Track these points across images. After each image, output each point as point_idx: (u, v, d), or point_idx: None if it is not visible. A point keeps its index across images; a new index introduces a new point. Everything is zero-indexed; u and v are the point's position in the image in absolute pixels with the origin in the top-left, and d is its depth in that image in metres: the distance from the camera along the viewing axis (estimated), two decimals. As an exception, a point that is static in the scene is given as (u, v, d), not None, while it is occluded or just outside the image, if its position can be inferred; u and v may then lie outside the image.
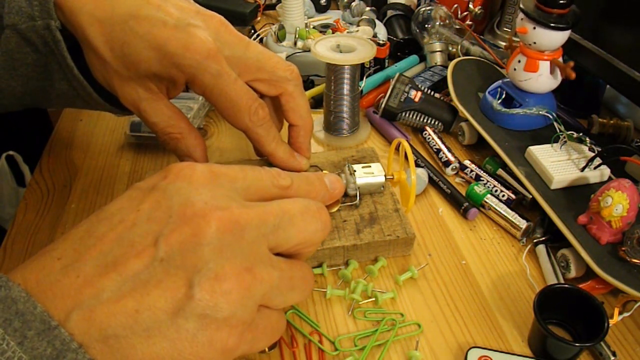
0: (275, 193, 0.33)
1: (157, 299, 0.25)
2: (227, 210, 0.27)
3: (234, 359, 0.27)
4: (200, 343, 0.25)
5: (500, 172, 0.58)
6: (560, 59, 0.57)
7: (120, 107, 0.49)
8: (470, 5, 0.82)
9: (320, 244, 0.35)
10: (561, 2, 0.53)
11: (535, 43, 0.56)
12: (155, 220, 0.27)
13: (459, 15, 0.83)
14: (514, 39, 0.60)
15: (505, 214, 0.53)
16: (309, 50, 0.69)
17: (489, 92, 0.62)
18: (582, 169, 0.53)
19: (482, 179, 0.57)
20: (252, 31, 0.91)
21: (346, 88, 0.63)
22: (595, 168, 0.53)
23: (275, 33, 0.82)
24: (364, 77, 0.72)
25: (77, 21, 0.41)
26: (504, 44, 0.81)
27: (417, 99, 0.66)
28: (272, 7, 1.01)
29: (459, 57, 0.72)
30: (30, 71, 0.44)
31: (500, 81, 0.63)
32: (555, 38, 0.55)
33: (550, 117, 0.59)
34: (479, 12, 0.82)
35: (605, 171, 0.53)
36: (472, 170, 0.59)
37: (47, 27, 0.42)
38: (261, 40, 0.89)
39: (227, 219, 0.27)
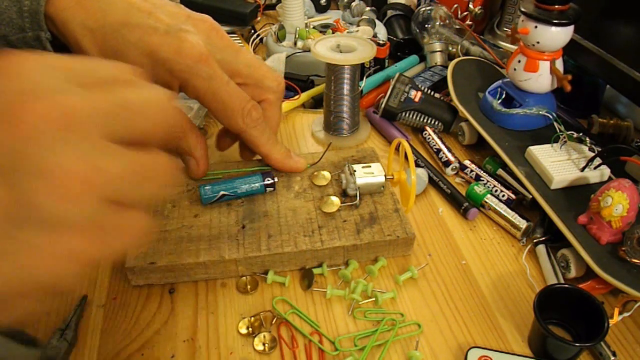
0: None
1: None
2: (56, 100, 0.23)
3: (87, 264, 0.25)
4: (48, 256, 0.23)
5: (500, 172, 0.58)
6: (561, 60, 0.57)
7: None
8: (470, 5, 0.82)
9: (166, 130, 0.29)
10: (560, -2, 0.54)
11: (538, 43, 0.55)
12: None
13: (459, 15, 0.83)
14: (517, 35, 0.60)
15: (505, 214, 0.53)
16: (309, 50, 0.69)
17: (489, 92, 0.62)
18: (582, 169, 0.53)
19: (482, 179, 0.57)
20: (252, 31, 0.91)
21: (346, 88, 0.63)
22: (595, 168, 0.53)
23: (275, 33, 0.82)
24: (364, 77, 0.72)
25: (69, 32, 0.41)
26: (504, 43, 0.81)
27: (417, 99, 0.66)
28: (272, 7, 1.01)
29: (459, 57, 0.72)
30: None
31: (500, 81, 0.63)
32: (558, 36, 0.55)
33: (550, 117, 0.59)
34: (479, 12, 0.82)
35: (605, 171, 0.53)
36: (472, 170, 0.59)
37: (37, 38, 0.42)
38: (261, 40, 0.89)
39: (56, 109, 0.23)
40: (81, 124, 0.23)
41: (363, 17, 0.84)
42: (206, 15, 0.44)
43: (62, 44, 0.43)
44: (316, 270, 0.48)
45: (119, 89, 0.26)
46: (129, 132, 0.26)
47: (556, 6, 0.54)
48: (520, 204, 0.55)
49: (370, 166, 0.52)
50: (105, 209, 0.24)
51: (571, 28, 0.55)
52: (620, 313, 0.44)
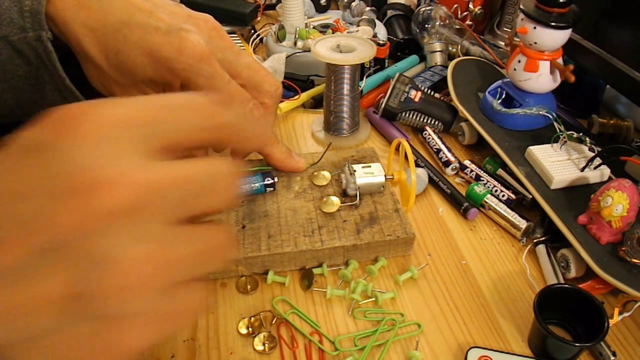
0: (206, 138, 0.26)
1: (37, 298, 0.20)
2: (126, 184, 0.21)
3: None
4: (100, 350, 0.21)
5: (500, 172, 0.58)
6: (561, 59, 0.57)
7: None
8: (470, 5, 0.82)
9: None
10: (561, 1, 0.53)
11: (536, 43, 0.56)
12: (35, 195, 0.21)
13: (459, 15, 0.83)
14: (515, 39, 0.60)
15: (505, 214, 0.53)
16: (309, 50, 0.69)
17: (489, 92, 0.62)
18: (582, 169, 0.53)
19: (482, 179, 0.57)
20: (252, 31, 0.91)
21: (346, 88, 0.63)
22: (595, 168, 0.53)
23: (275, 33, 0.82)
24: (364, 77, 0.72)
25: (71, 32, 0.41)
26: (504, 44, 0.81)
27: (417, 99, 0.66)
28: (272, 7, 1.01)
29: (459, 57, 0.72)
30: (22, 83, 0.45)
31: (500, 81, 0.63)
32: (556, 38, 0.55)
33: (550, 117, 0.59)
34: (479, 12, 0.82)
35: (605, 171, 0.53)
36: (472, 170, 0.59)
37: (39, 38, 0.42)
38: (261, 40, 0.89)
39: (126, 196, 0.21)
40: (149, 208, 0.22)
41: (363, 17, 0.84)
42: (207, 15, 0.44)
43: (61, 45, 0.43)
44: (316, 270, 0.48)
45: (188, 166, 0.24)
46: (194, 212, 0.24)
47: (556, 9, 0.54)
48: (520, 204, 0.55)
49: (370, 166, 0.52)
50: (165, 295, 0.22)
51: (569, 30, 0.55)
52: (620, 313, 0.44)
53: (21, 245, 0.20)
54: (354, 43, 0.62)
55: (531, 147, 0.55)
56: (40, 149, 0.21)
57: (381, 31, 0.84)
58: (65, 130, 0.21)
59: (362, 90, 0.70)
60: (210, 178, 0.24)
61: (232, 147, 0.27)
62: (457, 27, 0.80)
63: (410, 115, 0.66)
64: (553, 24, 0.54)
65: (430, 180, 0.59)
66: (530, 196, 0.53)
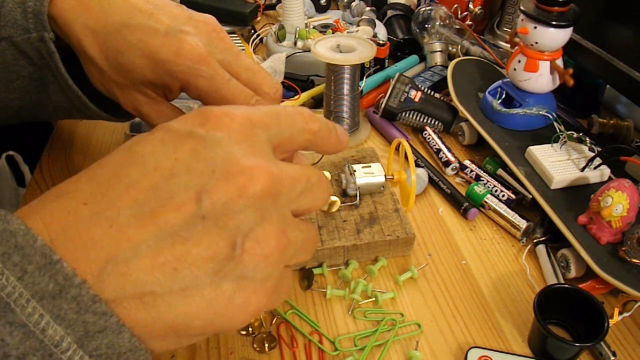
0: (304, 140, 0.31)
1: (197, 258, 0.24)
2: (269, 171, 0.26)
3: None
4: (236, 304, 0.25)
5: (500, 172, 0.58)
6: (561, 59, 0.57)
7: (117, 116, 0.50)
8: (470, 5, 0.82)
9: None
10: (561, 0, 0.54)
11: (537, 43, 0.56)
12: (196, 173, 0.25)
13: (459, 15, 0.83)
14: (516, 39, 0.60)
15: (505, 214, 0.53)
16: (309, 50, 0.69)
17: (489, 92, 0.62)
18: (582, 169, 0.53)
19: (482, 179, 0.57)
20: (252, 31, 0.91)
21: (346, 88, 0.63)
22: (595, 168, 0.53)
23: (275, 33, 0.82)
24: (364, 77, 0.72)
25: (72, 32, 0.41)
26: (504, 43, 0.81)
27: (417, 99, 0.66)
28: (272, 7, 1.01)
29: (459, 57, 0.72)
30: (27, 84, 0.45)
31: (500, 81, 0.63)
32: (557, 37, 0.55)
33: (550, 117, 0.59)
34: (479, 12, 0.82)
35: (605, 171, 0.53)
36: (472, 170, 0.59)
37: (42, 39, 0.42)
38: (261, 40, 0.89)
39: (270, 180, 0.25)
40: (280, 196, 0.26)
41: (363, 17, 0.84)
42: (209, 16, 0.44)
43: (64, 46, 0.43)
44: (316, 270, 0.48)
45: (303, 168, 0.29)
46: (305, 206, 0.29)
47: (556, 8, 0.54)
48: (520, 204, 0.55)
49: (370, 166, 0.52)
50: (282, 270, 0.28)
51: (570, 29, 0.55)
52: (620, 313, 0.44)
53: (187, 210, 0.24)
54: (354, 43, 0.62)
55: (531, 147, 0.55)
56: (193, 137, 0.25)
57: (381, 31, 0.84)
58: (213, 124, 0.26)
59: (362, 90, 0.70)
60: (318, 180, 0.29)
61: (317, 149, 0.33)
62: (457, 27, 0.80)
63: (410, 115, 0.66)
64: (554, 22, 0.54)
65: (430, 180, 0.59)
66: (530, 196, 0.53)
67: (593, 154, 0.53)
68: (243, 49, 0.85)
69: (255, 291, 0.26)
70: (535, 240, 0.51)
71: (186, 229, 0.24)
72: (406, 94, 0.66)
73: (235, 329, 0.28)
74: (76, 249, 0.23)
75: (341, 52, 0.62)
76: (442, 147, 0.62)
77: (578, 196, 0.51)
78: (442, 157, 0.61)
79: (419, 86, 0.67)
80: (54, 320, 0.21)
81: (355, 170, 0.51)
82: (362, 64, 0.70)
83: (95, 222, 0.23)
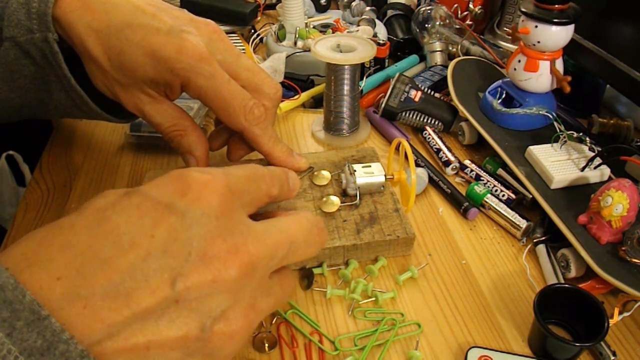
0: (266, 202, 0.34)
1: (167, 338, 0.25)
2: (245, 252, 0.27)
3: None
4: None
5: (500, 172, 0.58)
6: (561, 60, 0.57)
7: (118, 116, 0.50)
8: (470, 5, 0.82)
9: None
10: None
11: (539, 42, 0.55)
12: (172, 254, 0.25)
13: (459, 15, 0.83)
14: (517, 35, 0.60)
15: (505, 214, 0.53)
16: (309, 50, 0.69)
17: (489, 92, 0.62)
18: (582, 169, 0.53)
19: (482, 178, 0.57)
20: (252, 31, 0.91)
21: (346, 88, 0.63)
22: (595, 168, 0.53)
23: (275, 33, 0.82)
24: (364, 77, 0.72)
25: (75, 33, 0.42)
26: (504, 43, 0.81)
27: (417, 99, 0.66)
28: (272, 7, 1.01)
29: (459, 57, 0.72)
30: (29, 83, 0.46)
31: (500, 81, 0.63)
32: (559, 35, 0.55)
33: (550, 116, 0.59)
34: (479, 12, 0.82)
35: (605, 171, 0.53)
36: (472, 170, 0.59)
37: (45, 39, 0.43)
38: (261, 40, 0.89)
39: (245, 263, 0.26)
40: (257, 270, 0.27)
41: (363, 17, 0.84)
42: (209, 20, 0.45)
43: (67, 46, 0.44)
44: (316, 270, 0.48)
45: (285, 229, 0.30)
46: (291, 262, 0.31)
47: (556, 5, 0.54)
48: (520, 204, 0.55)
49: (370, 166, 0.52)
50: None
51: (571, 27, 0.55)
52: (620, 313, 0.44)
53: (160, 293, 0.24)
54: (354, 43, 0.62)
55: (531, 147, 0.55)
56: (172, 211, 0.26)
57: (381, 31, 0.84)
58: (193, 197, 0.26)
59: (362, 90, 0.70)
60: (307, 232, 0.31)
61: (276, 201, 0.35)
62: (457, 27, 0.80)
63: (410, 115, 0.66)
64: (555, 20, 0.54)
65: (430, 180, 0.59)
66: (530, 196, 0.53)
67: (593, 154, 0.53)
68: (243, 49, 0.85)
69: None
70: (535, 240, 0.51)
71: (159, 311, 0.24)
72: (406, 94, 0.66)
73: None
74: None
75: (341, 52, 0.62)
76: (442, 147, 0.62)
77: (578, 196, 0.51)
78: (442, 157, 0.61)
79: (419, 86, 0.67)
80: None
81: (355, 170, 0.51)
82: (362, 64, 0.70)
83: (69, 301, 0.23)
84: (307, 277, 0.47)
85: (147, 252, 0.25)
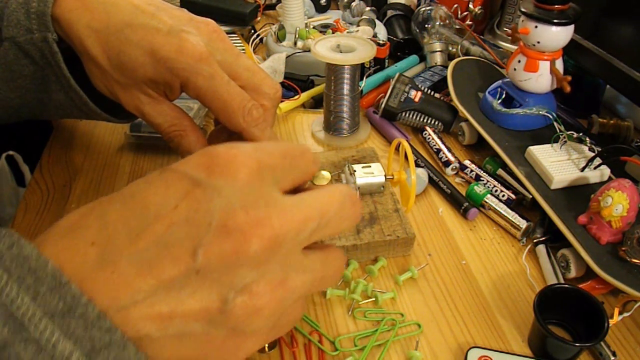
0: (303, 181, 0.32)
1: (190, 309, 0.25)
2: (268, 225, 0.26)
3: None
4: (226, 350, 0.27)
5: (500, 172, 0.58)
6: (561, 60, 0.57)
7: (118, 117, 0.50)
8: (470, 5, 0.82)
9: None
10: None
11: (538, 43, 0.55)
12: (194, 224, 0.25)
13: (459, 15, 0.83)
14: (517, 35, 0.60)
15: (505, 214, 0.53)
16: (309, 50, 0.69)
17: (489, 92, 0.62)
18: (582, 169, 0.53)
19: (482, 179, 0.57)
20: (252, 31, 0.91)
21: (346, 88, 0.63)
22: (595, 168, 0.53)
23: (275, 33, 0.82)
24: (364, 77, 0.72)
25: (74, 33, 0.42)
26: (504, 43, 0.81)
27: (417, 99, 0.66)
28: (272, 7, 1.01)
29: (459, 57, 0.72)
30: (28, 83, 0.46)
31: (500, 81, 0.63)
32: (558, 35, 0.55)
33: (550, 117, 0.59)
34: (479, 12, 0.82)
35: (605, 171, 0.53)
36: (472, 170, 0.59)
37: (45, 39, 0.43)
38: (261, 40, 0.89)
39: (267, 236, 0.26)
40: (284, 244, 0.26)
41: (363, 17, 0.84)
42: (209, 19, 0.45)
43: (67, 47, 0.44)
44: (316, 270, 0.48)
45: (315, 203, 0.29)
46: (324, 237, 0.30)
47: (556, 6, 0.54)
48: (520, 204, 0.55)
49: (370, 166, 0.52)
50: (282, 315, 0.28)
51: (571, 28, 0.55)
52: (620, 313, 0.44)
53: (182, 263, 0.25)
54: (354, 43, 0.62)
55: (531, 147, 0.55)
56: (196, 184, 0.26)
57: (381, 31, 0.84)
58: (219, 171, 0.26)
59: (362, 90, 0.70)
60: (339, 205, 0.29)
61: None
62: (457, 27, 0.80)
63: (410, 115, 0.66)
64: (555, 20, 0.54)
65: (430, 180, 0.59)
66: (530, 196, 0.53)
67: (593, 154, 0.53)
68: (243, 49, 0.85)
69: (246, 339, 0.27)
70: (535, 240, 0.51)
71: (181, 281, 0.25)
72: (406, 94, 0.66)
73: None
74: (85, 291, 0.24)
75: (341, 52, 0.62)
76: (442, 147, 0.62)
77: (578, 196, 0.51)
78: (442, 157, 0.61)
79: (419, 86, 0.67)
80: (64, 336, 0.23)
81: (355, 170, 0.51)
82: (362, 64, 0.70)
83: (100, 265, 0.25)
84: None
85: (171, 222, 0.25)
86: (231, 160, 0.27)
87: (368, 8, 0.88)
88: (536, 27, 0.55)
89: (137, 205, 0.26)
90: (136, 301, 0.24)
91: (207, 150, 0.28)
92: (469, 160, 0.60)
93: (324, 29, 0.84)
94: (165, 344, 0.25)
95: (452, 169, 0.61)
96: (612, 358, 0.40)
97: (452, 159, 0.61)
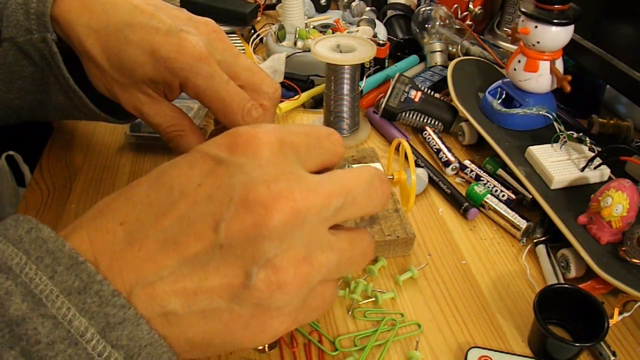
0: (330, 163, 0.32)
1: (214, 284, 0.25)
2: (290, 199, 0.25)
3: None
4: (253, 328, 0.26)
5: (500, 172, 0.58)
6: (561, 60, 0.57)
7: (117, 117, 0.50)
8: (470, 5, 0.82)
9: None
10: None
11: (538, 43, 0.55)
12: (216, 200, 0.26)
13: (459, 15, 0.83)
14: (517, 35, 0.60)
15: (505, 214, 0.53)
16: (309, 50, 0.69)
17: (489, 92, 0.62)
18: (582, 169, 0.53)
19: (482, 179, 0.57)
20: (252, 31, 0.91)
21: (346, 88, 0.63)
22: (595, 168, 0.53)
23: (275, 33, 0.82)
24: (364, 77, 0.72)
25: (74, 33, 0.42)
26: (504, 43, 0.81)
27: (417, 99, 0.66)
28: (272, 7, 1.01)
29: (459, 57, 0.72)
30: (28, 84, 0.46)
31: (500, 81, 0.63)
32: (559, 36, 0.55)
33: (550, 117, 0.59)
34: (479, 12, 0.82)
35: (605, 171, 0.53)
36: (472, 170, 0.59)
37: (44, 40, 0.43)
38: (261, 40, 0.89)
39: (289, 209, 0.25)
40: (307, 219, 0.26)
41: (363, 17, 0.84)
42: (208, 19, 0.45)
43: (66, 47, 0.44)
44: (316, 270, 0.48)
45: (341, 180, 0.28)
46: (350, 217, 0.29)
47: (556, 6, 0.54)
48: (520, 204, 0.55)
49: (370, 166, 0.52)
50: (308, 293, 0.27)
51: (571, 28, 0.55)
52: (620, 313, 0.44)
53: (205, 238, 0.25)
54: (354, 43, 0.62)
55: (531, 147, 0.55)
56: (217, 161, 0.27)
57: (381, 31, 0.84)
58: (240, 149, 0.27)
59: (362, 90, 0.70)
60: (367, 186, 0.29)
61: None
62: (457, 27, 0.80)
63: (410, 115, 0.66)
64: (555, 21, 0.54)
65: (430, 180, 0.59)
66: (530, 196, 0.53)
67: (593, 154, 0.53)
68: (243, 49, 0.85)
69: (272, 317, 0.26)
70: (535, 240, 0.51)
71: (205, 256, 0.25)
72: (406, 94, 0.66)
73: (258, 347, 0.30)
74: (113, 268, 0.25)
75: (341, 52, 0.62)
76: (442, 147, 0.62)
77: (578, 196, 0.51)
78: (442, 157, 0.61)
79: (419, 86, 0.67)
80: (79, 312, 0.24)
81: (355, 170, 0.51)
82: (362, 64, 0.70)
83: (128, 243, 0.26)
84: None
85: (194, 200, 0.26)
86: (253, 138, 0.27)
87: (368, 8, 0.88)
88: (536, 27, 0.55)
89: (162, 186, 0.27)
90: (161, 277, 0.25)
91: (230, 131, 0.28)
92: (469, 160, 0.60)
93: (324, 29, 0.84)
94: (190, 322, 0.26)
95: (452, 169, 0.61)
96: (612, 358, 0.40)
97: (452, 159, 0.61)
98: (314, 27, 0.84)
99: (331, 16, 0.92)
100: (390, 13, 0.89)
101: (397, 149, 0.54)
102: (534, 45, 0.56)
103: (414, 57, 0.80)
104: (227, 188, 0.26)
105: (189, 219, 0.26)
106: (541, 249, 0.50)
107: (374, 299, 0.46)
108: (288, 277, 0.25)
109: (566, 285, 0.43)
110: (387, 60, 0.77)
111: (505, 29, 0.84)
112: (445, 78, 0.69)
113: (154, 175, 0.28)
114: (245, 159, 0.26)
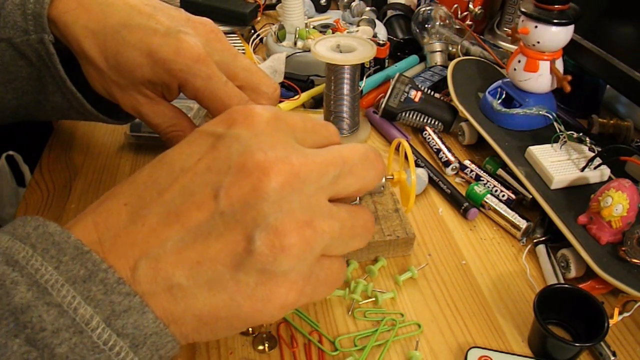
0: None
1: (217, 253, 0.25)
2: (287, 163, 0.26)
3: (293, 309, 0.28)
4: (259, 298, 0.26)
5: (500, 172, 0.58)
6: (561, 60, 0.57)
7: (116, 118, 0.50)
8: (470, 5, 0.82)
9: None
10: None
11: (538, 43, 0.55)
12: (214, 170, 0.26)
13: (459, 15, 0.83)
14: (517, 35, 0.60)
15: (505, 214, 0.53)
16: (309, 50, 0.69)
17: (489, 92, 0.62)
18: (582, 169, 0.53)
19: (482, 179, 0.57)
20: (252, 31, 0.91)
21: (346, 88, 0.63)
22: (595, 168, 0.53)
23: (275, 33, 0.82)
24: (364, 77, 0.72)
25: (71, 34, 0.42)
26: (504, 43, 0.81)
27: (417, 99, 0.66)
28: (272, 7, 1.01)
29: (459, 57, 0.72)
30: (25, 84, 0.46)
31: (500, 81, 0.63)
32: (558, 36, 0.55)
33: (550, 117, 0.59)
34: (479, 12, 0.82)
35: (605, 171, 0.53)
36: (472, 170, 0.59)
37: (41, 40, 0.43)
38: (261, 40, 0.89)
39: (287, 172, 0.26)
40: (306, 184, 0.26)
41: (363, 17, 0.84)
42: (206, 19, 0.45)
43: (63, 48, 0.44)
44: (316, 270, 0.48)
45: (337, 151, 0.29)
46: (348, 189, 0.29)
47: (556, 6, 0.54)
48: (520, 204, 0.55)
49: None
50: (315, 263, 0.28)
51: (571, 28, 0.55)
52: (620, 313, 0.44)
53: (206, 207, 0.26)
54: (354, 43, 0.62)
55: (531, 147, 0.55)
56: (215, 135, 0.28)
57: (381, 31, 0.84)
58: (237, 123, 0.28)
59: (362, 90, 0.70)
60: (362, 158, 0.29)
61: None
62: (457, 27, 0.80)
63: (410, 115, 0.66)
64: (555, 21, 0.54)
65: (430, 180, 0.59)
66: (530, 196, 0.53)
67: (593, 154, 0.53)
68: (243, 49, 0.85)
69: (278, 284, 0.26)
70: (535, 240, 0.51)
71: (207, 225, 0.25)
72: (406, 94, 0.66)
73: (268, 323, 0.29)
74: (117, 246, 0.26)
75: (341, 52, 0.62)
76: (442, 147, 0.62)
77: (578, 196, 0.51)
78: (442, 157, 0.61)
79: (419, 86, 0.67)
80: (85, 300, 0.24)
81: (355, 170, 0.51)
82: (362, 64, 0.70)
83: (131, 221, 0.26)
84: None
85: (194, 173, 0.27)
86: (249, 112, 0.28)
87: (368, 8, 0.88)
88: (536, 27, 0.55)
89: (164, 165, 0.28)
90: (165, 249, 0.25)
91: (227, 110, 0.29)
92: (469, 160, 0.60)
93: (324, 29, 0.84)
94: (195, 294, 0.26)
95: (452, 169, 0.61)
96: (612, 358, 0.40)
97: (452, 159, 0.61)
98: (314, 27, 0.84)
99: (331, 16, 0.92)
100: (390, 13, 0.89)
101: (397, 149, 0.54)
102: (534, 45, 0.56)
103: (414, 57, 0.80)
104: (225, 158, 0.26)
105: (189, 191, 0.26)
106: (541, 249, 0.50)
107: (374, 299, 0.46)
108: (291, 239, 0.25)
109: (566, 285, 0.43)
110: (387, 60, 0.77)
111: (505, 29, 0.84)
112: (445, 78, 0.69)
113: (157, 158, 0.29)
114: (241, 130, 0.27)
